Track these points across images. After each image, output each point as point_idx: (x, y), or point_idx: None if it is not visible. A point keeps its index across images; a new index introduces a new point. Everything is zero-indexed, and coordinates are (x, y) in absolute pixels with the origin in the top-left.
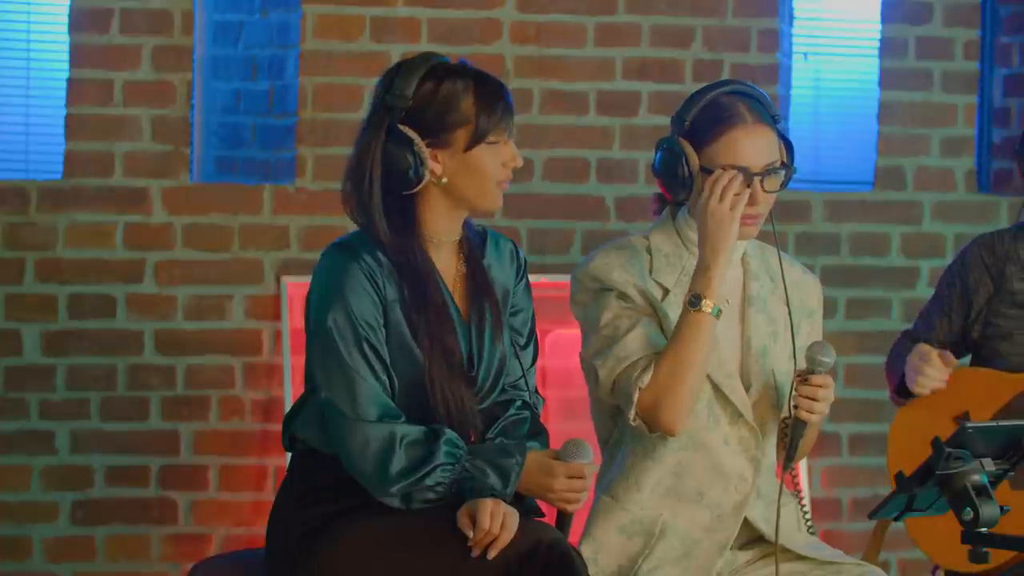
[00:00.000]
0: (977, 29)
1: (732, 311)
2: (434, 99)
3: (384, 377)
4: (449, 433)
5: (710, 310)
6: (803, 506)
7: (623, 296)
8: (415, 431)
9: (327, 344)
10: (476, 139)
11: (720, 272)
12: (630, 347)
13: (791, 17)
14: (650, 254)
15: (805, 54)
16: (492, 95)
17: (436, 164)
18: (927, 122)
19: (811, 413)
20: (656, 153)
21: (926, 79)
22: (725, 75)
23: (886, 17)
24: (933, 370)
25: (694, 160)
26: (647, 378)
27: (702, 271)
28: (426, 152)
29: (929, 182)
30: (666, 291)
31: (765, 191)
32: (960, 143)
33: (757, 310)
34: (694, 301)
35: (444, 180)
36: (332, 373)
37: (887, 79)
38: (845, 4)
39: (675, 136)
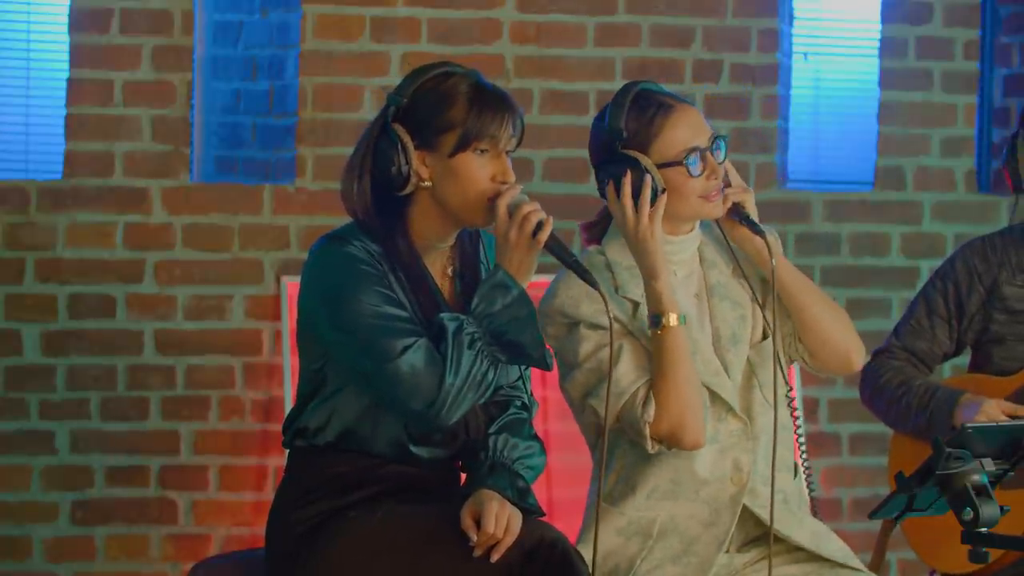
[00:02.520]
0: (977, 29)
1: (702, 306)
2: (428, 100)
3: (400, 310)
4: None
5: (676, 322)
6: (807, 471)
7: (595, 327)
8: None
9: (338, 315)
10: (461, 145)
11: (665, 282)
12: (623, 381)
13: (791, 17)
14: (611, 271)
15: (805, 54)
16: (488, 105)
17: (423, 167)
18: (927, 122)
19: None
20: (603, 177)
21: (926, 79)
22: (725, 75)
23: (886, 17)
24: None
25: (648, 162)
26: (651, 411)
27: (650, 289)
28: (412, 153)
29: (929, 182)
30: (636, 304)
31: (718, 163)
32: (960, 143)
33: (720, 298)
34: (655, 321)
35: (427, 183)
36: (356, 343)
37: (887, 79)
38: (845, 4)
39: (614, 149)
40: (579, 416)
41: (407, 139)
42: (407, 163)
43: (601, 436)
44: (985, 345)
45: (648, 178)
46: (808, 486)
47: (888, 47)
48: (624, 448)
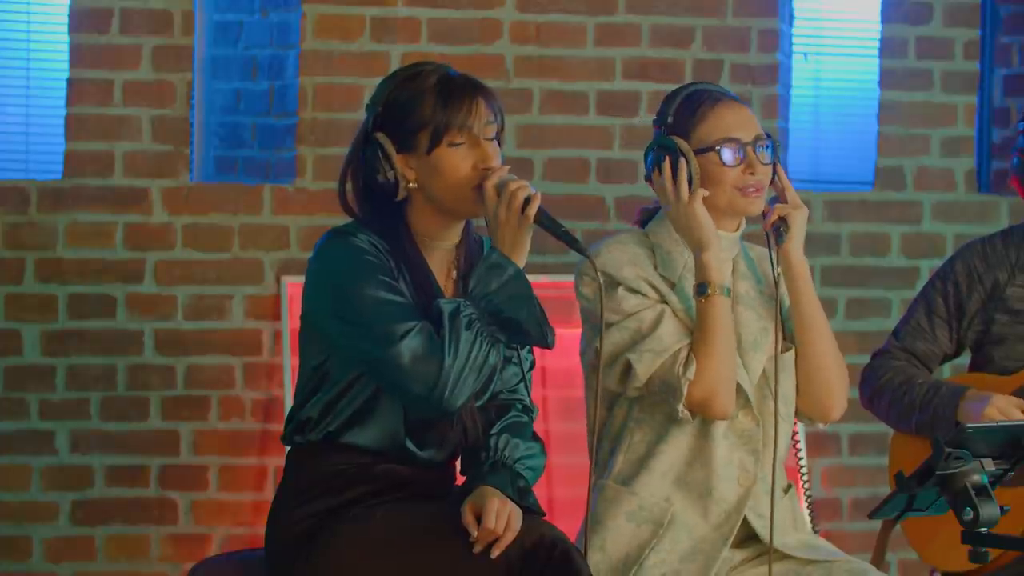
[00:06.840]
0: (977, 29)
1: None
2: (399, 102)
3: (402, 298)
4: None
5: (719, 292)
6: (807, 489)
7: (633, 291)
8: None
9: (340, 303)
10: (434, 141)
11: (714, 254)
12: (665, 340)
13: (791, 17)
14: (652, 251)
15: (805, 54)
16: (454, 95)
17: (408, 169)
18: (927, 122)
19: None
20: (647, 157)
21: (926, 79)
22: (725, 75)
23: (886, 17)
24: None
25: (684, 145)
26: (692, 370)
27: (697, 261)
28: (395, 158)
29: (929, 182)
30: (672, 284)
31: (761, 163)
32: (960, 143)
33: (745, 307)
34: (701, 289)
35: (413, 184)
36: (359, 330)
37: (887, 79)
38: (845, 4)
39: (660, 135)
40: (604, 376)
41: (389, 146)
42: (391, 169)
43: (598, 399)
44: (985, 346)
45: (684, 160)
46: (806, 505)
47: (888, 47)
48: (632, 427)
